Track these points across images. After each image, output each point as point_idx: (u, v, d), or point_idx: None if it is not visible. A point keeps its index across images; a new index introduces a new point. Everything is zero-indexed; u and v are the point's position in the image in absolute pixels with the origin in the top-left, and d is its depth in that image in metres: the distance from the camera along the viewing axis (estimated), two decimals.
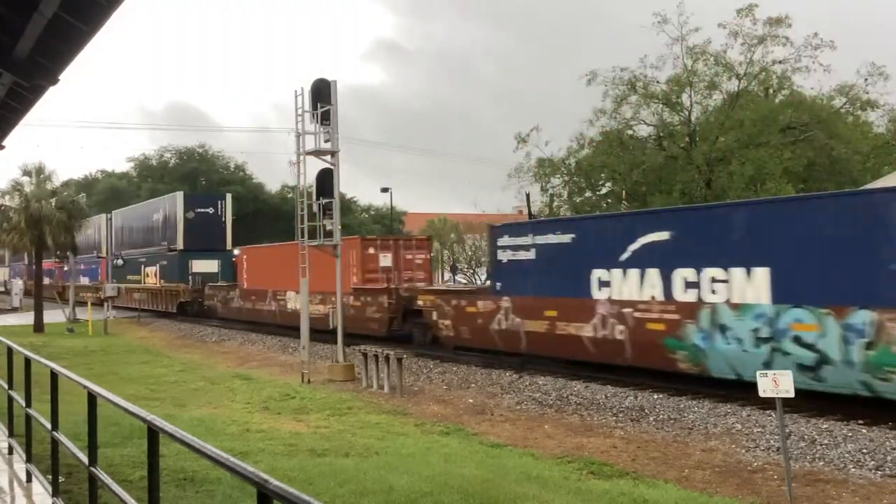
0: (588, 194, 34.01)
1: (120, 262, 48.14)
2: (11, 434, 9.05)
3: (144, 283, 44.13)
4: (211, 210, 40.09)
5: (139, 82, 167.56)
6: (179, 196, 40.04)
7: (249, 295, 31.28)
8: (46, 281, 56.81)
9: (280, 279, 28.61)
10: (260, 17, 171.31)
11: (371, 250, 25.06)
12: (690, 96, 31.67)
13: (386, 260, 25.05)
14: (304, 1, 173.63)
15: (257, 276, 31.75)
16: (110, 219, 51.76)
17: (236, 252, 36.02)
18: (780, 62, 30.78)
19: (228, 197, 41.68)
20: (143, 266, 44.39)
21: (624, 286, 15.65)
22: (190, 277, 38.34)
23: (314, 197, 20.24)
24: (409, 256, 25.47)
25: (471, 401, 15.65)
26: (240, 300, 33.11)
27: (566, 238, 17.19)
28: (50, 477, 7.00)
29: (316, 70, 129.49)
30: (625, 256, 15.68)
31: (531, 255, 18.04)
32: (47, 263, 54.39)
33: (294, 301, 27.18)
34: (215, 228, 39.95)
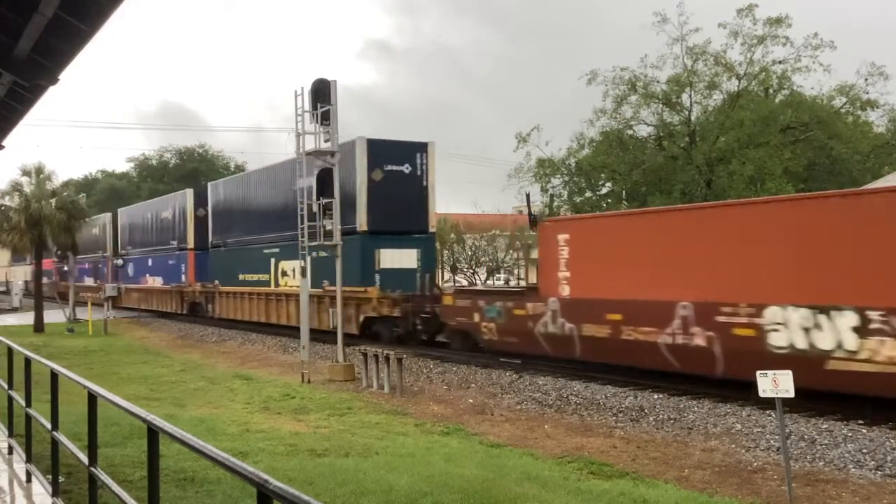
0: (588, 194, 34.02)
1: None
2: (11, 434, 9.05)
3: (278, 284, 28.38)
4: (406, 168, 24.49)
5: (137, 83, 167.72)
6: (361, 143, 23.88)
7: (595, 312, 15.97)
8: (89, 281, 49.71)
9: (728, 277, 13.89)
10: (257, 17, 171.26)
11: None
12: (690, 96, 31.69)
13: None
14: (301, 2, 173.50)
15: (615, 274, 15.84)
16: (204, 194, 36.52)
17: (545, 228, 17.89)
18: (780, 62, 30.82)
19: (432, 146, 25.23)
20: (272, 260, 28.70)
21: None
22: (377, 276, 23.60)
23: (314, 197, 20.26)
24: None
25: (471, 401, 15.65)
26: (562, 321, 16.86)
27: None
28: (50, 477, 7.00)
29: (313, 70, 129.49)
30: None
31: None
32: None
33: (796, 333, 12.73)
34: (414, 198, 24.54)
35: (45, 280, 51.87)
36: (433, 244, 25.90)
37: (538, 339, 17.64)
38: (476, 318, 19.53)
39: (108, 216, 49.33)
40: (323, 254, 23.65)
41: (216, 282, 33.68)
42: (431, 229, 25.21)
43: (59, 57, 8.43)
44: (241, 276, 31.26)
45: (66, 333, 33.79)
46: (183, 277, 37.11)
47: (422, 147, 25.04)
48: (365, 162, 23.82)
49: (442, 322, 21.35)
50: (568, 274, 16.90)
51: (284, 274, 27.89)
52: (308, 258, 20.39)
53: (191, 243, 36.74)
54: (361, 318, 23.69)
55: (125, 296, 45.23)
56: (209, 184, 37.00)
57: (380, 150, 24.25)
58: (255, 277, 30.23)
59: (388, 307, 22.63)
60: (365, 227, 23.77)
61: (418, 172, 24.66)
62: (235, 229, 32.59)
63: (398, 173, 24.34)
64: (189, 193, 37.47)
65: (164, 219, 39.62)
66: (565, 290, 16.96)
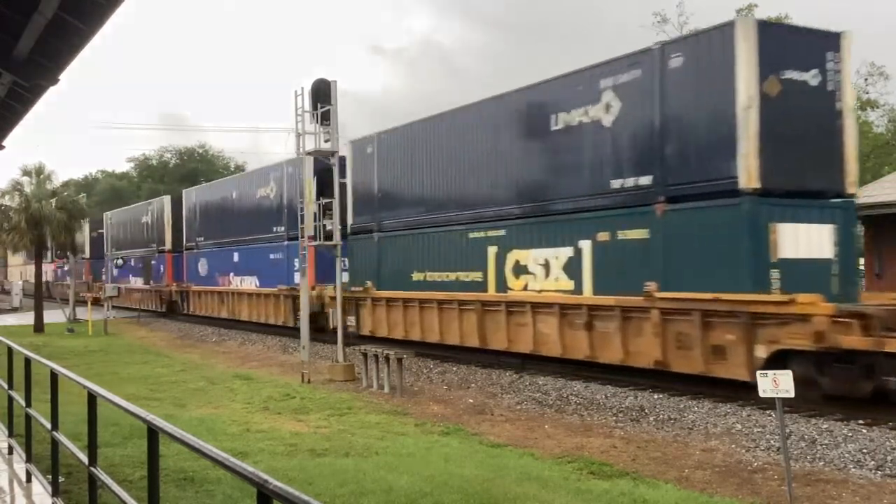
0: None
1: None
2: (11, 434, 9.06)
3: (506, 287, 18.14)
4: (814, 77, 13.70)
5: (137, 83, 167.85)
6: (746, 29, 13.19)
7: None
8: (136, 282, 41.59)
9: None
10: (256, 17, 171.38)
11: None
12: None
13: None
14: (299, 2, 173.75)
15: None
16: (369, 153, 23.14)
17: None
18: None
19: (847, 40, 14.04)
20: (490, 249, 18.60)
21: None
22: (772, 273, 13.13)
23: (314, 197, 20.26)
24: None
25: (471, 401, 15.65)
26: None
27: None
28: (50, 477, 7.01)
29: (310, 71, 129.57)
30: None
31: None
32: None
33: None
34: (823, 131, 13.95)
35: (70, 280, 50.51)
36: (854, 217, 14.80)
37: None
38: None
39: (166, 199, 40.11)
40: (638, 234, 14.91)
41: (368, 283, 22.88)
42: (850, 190, 14.26)
43: (59, 57, 8.44)
44: (415, 276, 21.10)
45: (65, 333, 33.81)
46: (295, 277, 26.43)
47: (831, 41, 14.12)
48: (754, 64, 13.10)
49: None
50: None
51: (524, 271, 17.67)
52: (305, 253, 20.36)
53: (310, 230, 26.12)
54: (762, 352, 12.79)
55: (193, 301, 36.49)
56: (349, 143, 24.30)
57: (774, 45, 13.43)
58: (452, 276, 19.85)
59: (862, 333, 11.49)
60: (756, 183, 13.06)
61: (829, 86, 13.93)
62: (401, 205, 21.96)
63: (800, 86, 13.65)
64: (308, 161, 21.37)
65: (263, 198, 29.54)
66: None
